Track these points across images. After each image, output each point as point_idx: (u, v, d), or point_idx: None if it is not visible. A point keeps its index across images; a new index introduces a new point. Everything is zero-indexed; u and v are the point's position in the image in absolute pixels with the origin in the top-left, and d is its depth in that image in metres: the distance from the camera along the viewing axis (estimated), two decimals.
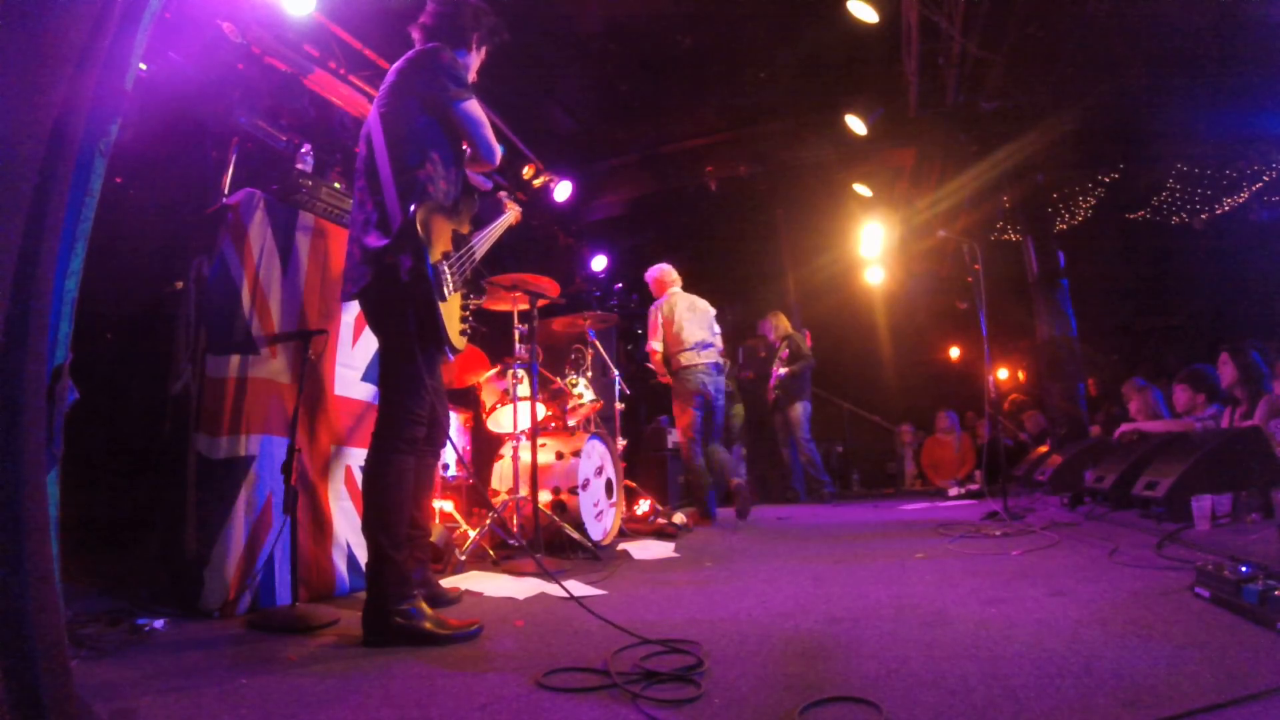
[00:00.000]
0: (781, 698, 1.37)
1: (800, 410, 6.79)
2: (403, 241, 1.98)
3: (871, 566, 2.87)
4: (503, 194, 2.60)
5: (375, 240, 2.02)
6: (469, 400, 4.29)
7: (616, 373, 5.15)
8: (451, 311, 2.12)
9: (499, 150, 2.32)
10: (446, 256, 2.11)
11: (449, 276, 2.10)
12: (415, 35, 2.32)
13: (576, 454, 3.66)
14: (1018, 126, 6.29)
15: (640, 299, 8.26)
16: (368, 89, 4.60)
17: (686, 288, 5.35)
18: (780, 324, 7.17)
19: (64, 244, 1.04)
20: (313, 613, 2.16)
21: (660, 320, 5.11)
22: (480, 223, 2.52)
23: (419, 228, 1.97)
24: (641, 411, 7.52)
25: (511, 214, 2.72)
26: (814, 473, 6.73)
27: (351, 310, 2.74)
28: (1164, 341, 8.95)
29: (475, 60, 2.41)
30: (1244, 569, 1.78)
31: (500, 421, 3.89)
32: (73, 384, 1.05)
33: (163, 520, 2.50)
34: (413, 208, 1.99)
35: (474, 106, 2.22)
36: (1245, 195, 8.16)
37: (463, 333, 2.20)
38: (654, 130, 7.21)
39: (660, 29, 5.59)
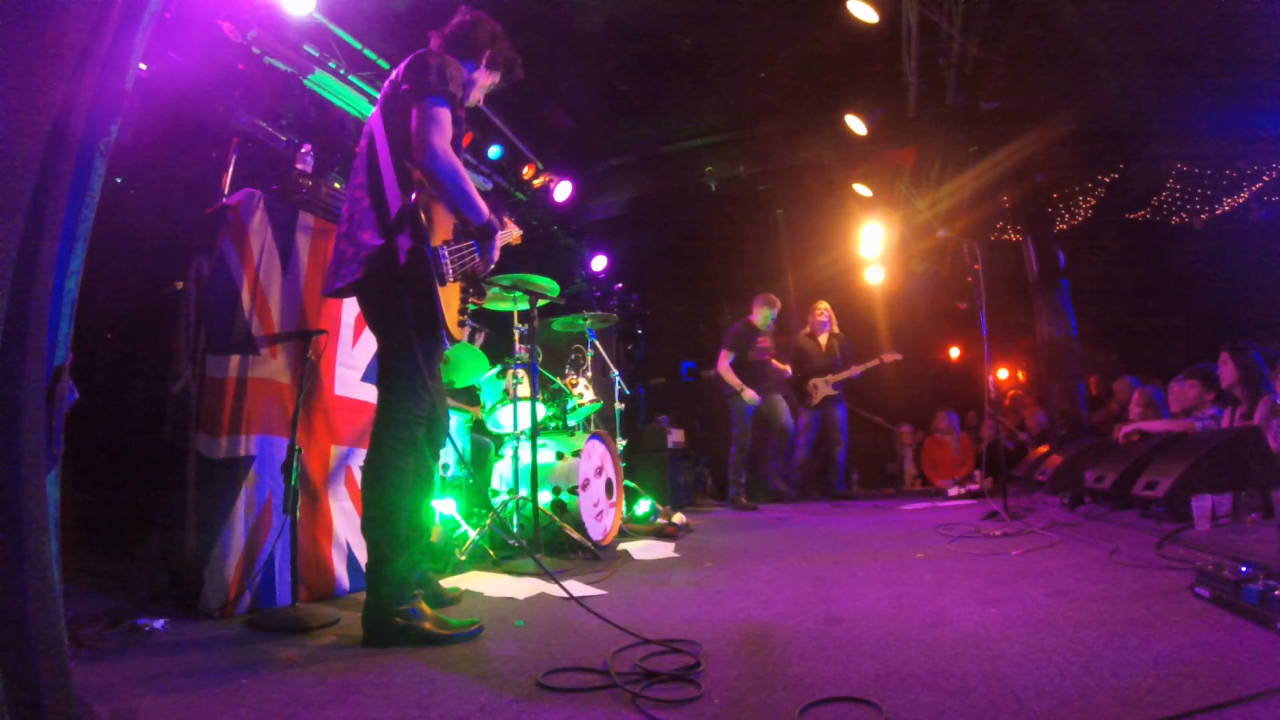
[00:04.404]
0: (781, 698, 1.37)
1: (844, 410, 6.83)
2: (402, 224, 1.98)
3: (871, 566, 2.87)
4: (505, 214, 2.55)
5: (372, 238, 2.02)
6: (469, 400, 4.28)
7: (616, 372, 5.16)
8: (450, 300, 2.12)
9: (445, 158, 1.98)
10: (447, 244, 2.12)
11: (449, 262, 2.10)
12: (433, 43, 2.28)
13: (576, 454, 3.66)
14: (1018, 126, 6.28)
15: (640, 299, 8.26)
16: (368, 89, 4.61)
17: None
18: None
19: (64, 244, 1.04)
20: (313, 613, 2.16)
21: None
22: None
23: (420, 212, 1.98)
24: (641, 411, 7.51)
25: (511, 233, 2.69)
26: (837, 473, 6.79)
27: (352, 310, 2.73)
28: (1164, 341, 8.91)
29: (484, 78, 2.34)
30: (1244, 569, 1.78)
31: (500, 421, 3.89)
32: (73, 384, 1.05)
33: (163, 520, 2.50)
34: (414, 194, 1.99)
35: (438, 108, 2.00)
36: (1245, 195, 8.14)
37: (461, 324, 2.20)
38: (654, 130, 7.21)
39: (660, 29, 5.59)
